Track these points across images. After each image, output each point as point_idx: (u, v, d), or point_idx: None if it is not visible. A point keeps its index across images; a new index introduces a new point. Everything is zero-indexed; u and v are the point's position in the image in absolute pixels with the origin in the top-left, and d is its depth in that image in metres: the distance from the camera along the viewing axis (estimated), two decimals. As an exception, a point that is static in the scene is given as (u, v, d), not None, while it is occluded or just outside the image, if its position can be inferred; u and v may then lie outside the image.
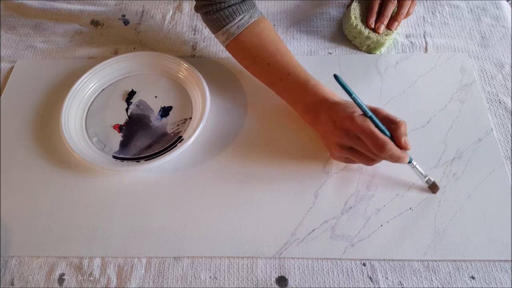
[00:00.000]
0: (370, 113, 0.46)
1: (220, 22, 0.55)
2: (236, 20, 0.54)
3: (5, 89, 0.65)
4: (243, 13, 0.55)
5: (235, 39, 0.56)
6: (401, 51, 0.66)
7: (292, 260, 0.48)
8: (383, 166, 0.54)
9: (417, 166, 0.50)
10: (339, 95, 0.51)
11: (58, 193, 0.54)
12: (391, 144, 0.45)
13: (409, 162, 0.48)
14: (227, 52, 0.60)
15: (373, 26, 0.63)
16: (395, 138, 0.46)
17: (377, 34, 0.63)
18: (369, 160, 0.48)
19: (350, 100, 0.47)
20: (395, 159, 0.46)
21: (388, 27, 0.63)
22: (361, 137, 0.46)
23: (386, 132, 0.46)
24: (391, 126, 0.47)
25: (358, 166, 0.54)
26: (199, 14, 0.58)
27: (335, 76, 0.46)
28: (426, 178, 0.51)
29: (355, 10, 0.65)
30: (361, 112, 0.47)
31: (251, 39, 0.55)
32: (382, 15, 0.63)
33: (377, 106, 0.58)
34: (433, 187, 0.51)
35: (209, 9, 0.55)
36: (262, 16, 0.57)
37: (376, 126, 0.46)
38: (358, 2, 0.66)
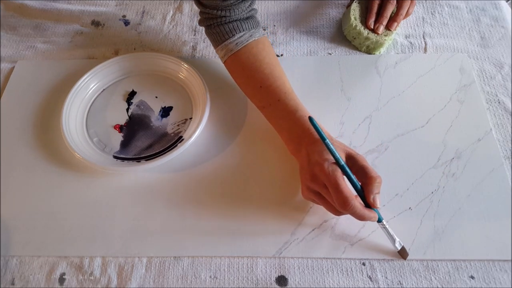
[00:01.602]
0: (342, 163, 0.44)
1: (220, 37, 0.55)
2: (236, 37, 0.54)
3: (5, 89, 0.65)
4: (243, 31, 0.54)
5: (233, 56, 0.55)
6: (401, 51, 0.66)
7: (292, 260, 0.49)
8: (382, 166, 0.54)
9: (387, 226, 0.46)
10: (327, 129, 0.50)
11: (59, 193, 0.55)
12: (354, 202, 0.42)
13: (380, 221, 0.46)
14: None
15: (372, 27, 0.63)
16: (365, 194, 0.44)
17: (376, 35, 0.63)
18: (335, 210, 0.45)
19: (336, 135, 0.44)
20: (358, 218, 0.43)
21: (388, 27, 0.64)
22: (327, 186, 0.43)
23: (357, 185, 0.44)
24: (364, 180, 0.44)
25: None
26: (203, 27, 0.58)
27: (310, 119, 0.45)
28: (397, 242, 0.47)
29: (355, 11, 0.65)
30: (329, 162, 0.44)
31: (248, 58, 0.54)
32: (381, 16, 0.63)
33: (376, 106, 0.60)
34: (402, 252, 0.47)
35: (211, 23, 0.55)
36: (264, 37, 0.56)
37: (348, 176, 0.44)
38: (358, 3, 0.66)
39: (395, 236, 0.47)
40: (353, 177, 0.44)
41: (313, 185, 0.46)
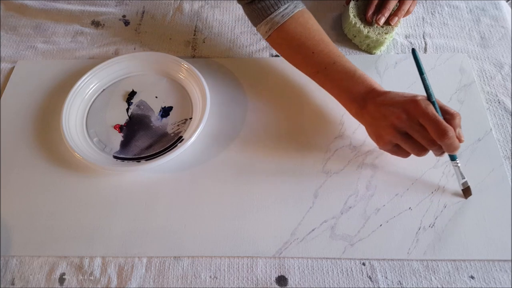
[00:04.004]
0: (434, 99, 0.46)
1: (265, 11, 0.55)
2: (281, 9, 0.54)
3: (5, 89, 0.65)
4: (287, 2, 0.55)
5: (279, 28, 0.55)
6: (401, 51, 0.66)
7: (292, 260, 0.49)
8: (382, 166, 0.54)
9: (459, 165, 0.49)
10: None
11: (59, 193, 0.54)
12: (453, 132, 0.43)
13: (454, 159, 0.48)
14: (228, 52, 0.60)
15: (371, 19, 0.63)
16: None
17: (376, 33, 0.63)
18: (421, 149, 0.46)
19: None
20: (453, 149, 0.44)
21: (388, 21, 0.63)
22: (422, 121, 0.44)
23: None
24: (446, 116, 0.46)
25: (358, 166, 0.54)
26: (241, 6, 0.58)
27: (413, 51, 0.47)
28: (463, 181, 0.50)
29: (354, 9, 0.65)
30: (422, 97, 0.46)
31: (296, 28, 0.55)
32: (384, 7, 0.63)
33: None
34: (466, 192, 0.50)
35: None
36: (305, 8, 0.57)
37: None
38: (358, 1, 0.66)
39: (464, 175, 0.50)
40: (440, 113, 0.46)
41: (405, 123, 0.46)
